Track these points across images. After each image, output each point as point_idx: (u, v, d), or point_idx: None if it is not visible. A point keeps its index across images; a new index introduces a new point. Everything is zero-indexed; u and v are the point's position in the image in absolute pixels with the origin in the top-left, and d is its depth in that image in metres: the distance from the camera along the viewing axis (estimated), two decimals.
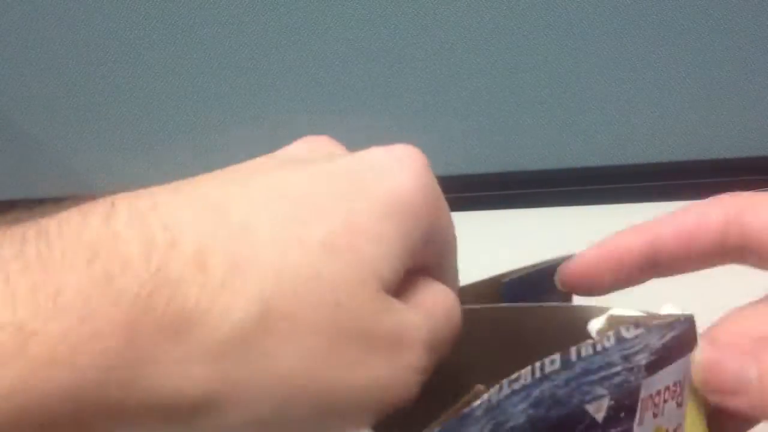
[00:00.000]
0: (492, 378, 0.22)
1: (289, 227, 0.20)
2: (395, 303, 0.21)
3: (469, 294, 0.30)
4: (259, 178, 0.23)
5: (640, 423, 0.24)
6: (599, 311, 0.26)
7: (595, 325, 0.26)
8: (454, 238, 0.26)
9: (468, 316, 0.26)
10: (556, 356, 0.22)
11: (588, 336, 0.25)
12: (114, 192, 0.23)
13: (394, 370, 0.21)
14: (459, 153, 0.72)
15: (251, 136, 0.72)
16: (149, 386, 0.18)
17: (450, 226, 0.25)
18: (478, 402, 0.21)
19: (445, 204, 0.26)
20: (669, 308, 0.27)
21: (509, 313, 0.29)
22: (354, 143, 0.81)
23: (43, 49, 0.68)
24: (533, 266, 0.34)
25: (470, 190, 0.72)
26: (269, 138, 0.74)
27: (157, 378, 0.18)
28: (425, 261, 0.24)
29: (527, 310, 0.29)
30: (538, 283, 0.34)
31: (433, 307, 0.23)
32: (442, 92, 0.69)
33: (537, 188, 0.72)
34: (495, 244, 0.65)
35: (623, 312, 0.26)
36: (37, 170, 0.76)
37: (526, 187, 0.72)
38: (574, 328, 0.26)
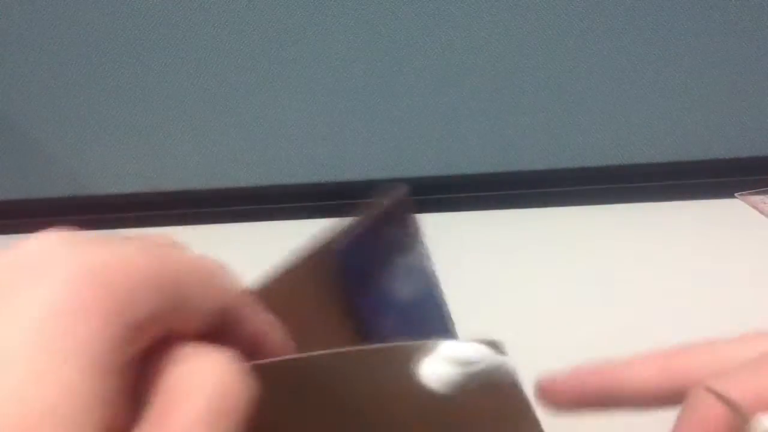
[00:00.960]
0: None
1: None
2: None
3: (300, 274, 0.26)
4: None
5: None
6: (430, 348, 0.22)
7: (429, 368, 0.22)
8: (193, 278, 0.21)
9: (272, 373, 0.22)
10: None
11: (420, 378, 0.22)
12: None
13: None
14: (459, 153, 0.72)
15: (251, 137, 0.72)
16: None
17: (174, 271, 0.20)
18: None
19: (146, 260, 0.20)
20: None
21: (321, 362, 0.23)
22: (353, 143, 0.81)
23: (44, 51, 0.68)
24: (357, 222, 0.28)
25: (470, 191, 0.72)
26: (269, 139, 0.74)
27: None
28: (168, 327, 0.20)
29: (344, 356, 0.23)
30: (374, 242, 0.28)
31: (187, 399, 0.18)
32: (441, 93, 0.69)
33: (536, 188, 0.72)
34: (494, 244, 0.65)
35: (457, 346, 0.22)
36: (37, 171, 0.76)
37: (525, 187, 0.72)
38: (402, 371, 0.22)
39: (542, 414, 0.24)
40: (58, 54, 0.68)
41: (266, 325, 0.24)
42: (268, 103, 0.70)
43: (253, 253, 0.69)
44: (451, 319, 0.28)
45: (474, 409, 0.23)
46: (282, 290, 0.26)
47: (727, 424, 0.24)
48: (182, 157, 0.74)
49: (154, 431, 0.18)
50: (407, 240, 0.29)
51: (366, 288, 0.28)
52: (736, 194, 0.69)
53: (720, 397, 0.24)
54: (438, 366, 0.22)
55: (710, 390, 0.24)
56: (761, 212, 0.65)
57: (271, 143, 0.72)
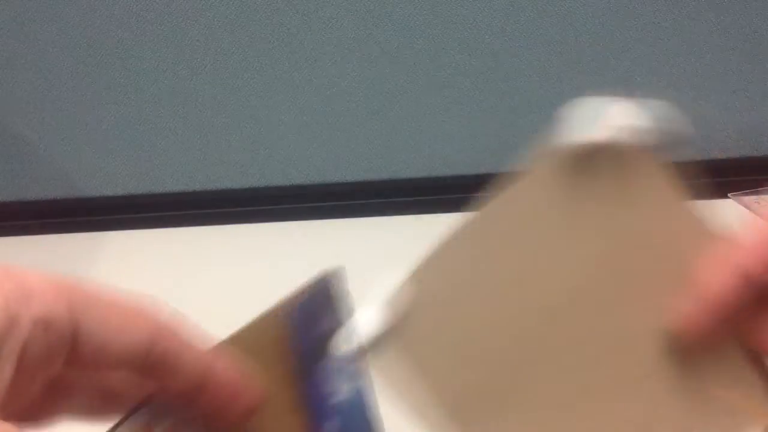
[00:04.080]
0: None
1: None
2: None
3: (251, 338, 0.29)
4: None
5: None
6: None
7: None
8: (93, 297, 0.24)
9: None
10: None
11: None
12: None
13: None
14: (452, 154, 0.72)
15: (245, 139, 0.72)
16: None
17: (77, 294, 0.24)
18: None
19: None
20: None
21: None
22: (346, 145, 0.80)
23: (36, 52, 0.67)
24: (303, 290, 0.31)
25: (463, 192, 0.72)
26: (262, 140, 0.73)
27: None
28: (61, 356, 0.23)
29: None
30: (316, 308, 0.31)
31: None
32: (435, 94, 0.69)
33: None
34: None
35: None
36: (29, 172, 0.76)
37: None
38: None
39: None
40: (50, 55, 0.68)
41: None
42: (261, 105, 0.69)
43: (247, 254, 0.69)
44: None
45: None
46: (238, 347, 0.29)
47: None
48: (175, 159, 0.73)
49: None
50: (335, 323, 0.31)
51: (307, 351, 0.30)
52: (729, 195, 0.69)
53: None
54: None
55: None
56: (755, 213, 0.66)
57: (264, 145, 0.72)
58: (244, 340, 0.29)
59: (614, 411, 0.26)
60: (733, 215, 0.72)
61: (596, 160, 0.26)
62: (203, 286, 0.63)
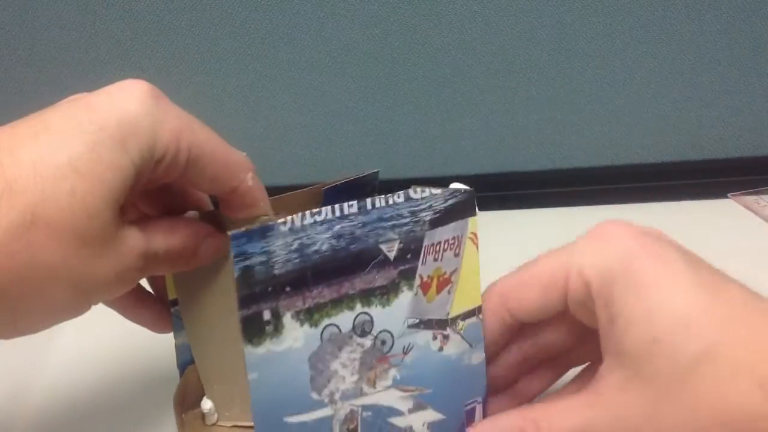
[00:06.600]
0: None
1: (46, 155, 0.28)
2: (123, 225, 0.30)
3: (293, 203, 0.37)
4: (26, 122, 0.30)
5: (423, 264, 0.32)
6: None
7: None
8: (208, 145, 0.33)
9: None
10: (354, 202, 0.31)
11: None
12: None
13: (118, 266, 0.30)
14: (452, 154, 0.72)
15: (244, 139, 0.72)
16: None
17: (196, 133, 0.33)
18: (282, 220, 0.29)
19: (179, 118, 0.33)
20: (456, 185, 0.35)
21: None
22: (350, 145, 0.80)
23: (37, 52, 0.67)
24: (349, 178, 0.41)
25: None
26: (262, 140, 0.73)
27: None
28: (172, 176, 0.32)
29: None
30: (354, 192, 0.41)
31: (154, 230, 0.32)
32: (435, 94, 0.69)
33: (529, 189, 0.72)
34: (492, 244, 0.65)
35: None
36: None
37: (518, 188, 0.72)
38: None
39: None
40: (52, 56, 0.68)
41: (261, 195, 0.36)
42: (261, 105, 0.70)
43: None
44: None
45: None
46: (278, 203, 0.38)
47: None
48: None
49: None
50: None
51: None
52: (729, 194, 0.69)
53: None
54: None
55: None
56: (755, 212, 0.66)
57: (264, 145, 0.72)
58: (287, 200, 0.38)
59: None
60: (733, 215, 0.72)
61: None
62: None
